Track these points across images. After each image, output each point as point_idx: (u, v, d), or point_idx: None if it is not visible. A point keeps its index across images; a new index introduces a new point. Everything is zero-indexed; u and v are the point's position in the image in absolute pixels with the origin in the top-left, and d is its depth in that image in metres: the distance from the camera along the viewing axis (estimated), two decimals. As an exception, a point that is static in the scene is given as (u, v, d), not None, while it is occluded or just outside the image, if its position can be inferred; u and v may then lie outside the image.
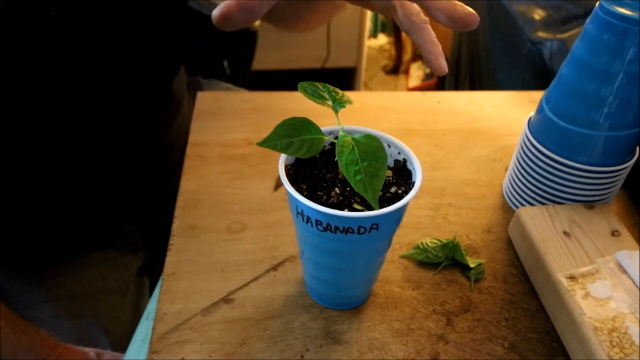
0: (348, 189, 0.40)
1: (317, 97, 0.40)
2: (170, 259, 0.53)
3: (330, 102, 0.40)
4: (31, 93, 0.58)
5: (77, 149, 0.65)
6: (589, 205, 0.54)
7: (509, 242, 0.57)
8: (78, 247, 0.72)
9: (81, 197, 0.70)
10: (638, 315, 0.43)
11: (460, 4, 0.36)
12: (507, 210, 0.60)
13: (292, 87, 0.48)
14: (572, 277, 0.47)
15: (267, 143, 0.38)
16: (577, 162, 0.52)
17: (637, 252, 0.48)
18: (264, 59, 1.64)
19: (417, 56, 2.25)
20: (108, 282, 0.71)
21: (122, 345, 0.65)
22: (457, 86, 1.62)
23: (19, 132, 0.60)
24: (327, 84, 0.41)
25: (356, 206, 0.39)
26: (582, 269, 0.47)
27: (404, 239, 0.56)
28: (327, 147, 0.44)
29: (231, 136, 0.69)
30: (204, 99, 0.76)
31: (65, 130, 0.62)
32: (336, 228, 0.38)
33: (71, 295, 0.68)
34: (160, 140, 0.77)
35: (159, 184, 0.77)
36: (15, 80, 0.56)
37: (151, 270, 0.78)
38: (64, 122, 0.62)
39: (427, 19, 0.38)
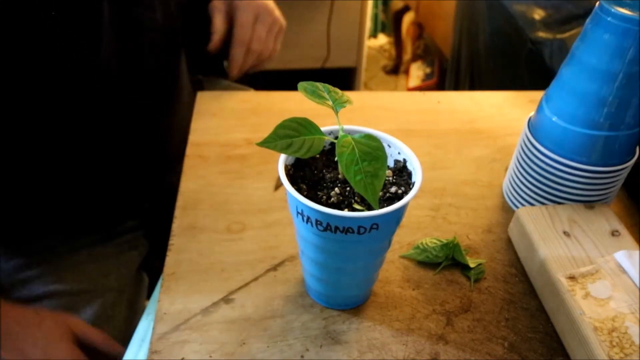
0: (348, 189, 0.40)
1: (317, 97, 0.40)
2: (170, 259, 0.53)
3: (330, 102, 0.40)
4: (32, 88, 0.58)
5: (77, 144, 0.65)
6: (589, 205, 0.54)
7: (509, 242, 0.56)
8: (78, 242, 0.72)
9: (81, 192, 0.70)
10: (638, 315, 0.43)
11: None
12: (507, 210, 0.60)
13: (292, 87, 0.48)
14: (572, 277, 0.47)
15: (267, 143, 0.38)
16: (577, 162, 0.52)
17: (637, 252, 0.48)
18: (264, 59, 1.64)
19: (417, 56, 2.25)
20: (108, 279, 0.71)
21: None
22: (457, 86, 1.62)
23: (21, 127, 0.60)
24: (327, 84, 0.41)
25: (356, 206, 0.39)
26: (582, 269, 0.47)
27: (404, 239, 0.56)
28: (327, 147, 0.44)
29: (231, 136, 0.69)
30: (204, 98, 0.76)
31: (66, 125, 0.63)
32: (336, 228, 0.38)
33: (70, 292, 0.68)
34: (160, 135, 0.77)
35: (160, 180, 0.77)
36: (16, 76, 0.56)
37: (151, 267, 0.78)
38: (65, 117, 0.62)
39: None
